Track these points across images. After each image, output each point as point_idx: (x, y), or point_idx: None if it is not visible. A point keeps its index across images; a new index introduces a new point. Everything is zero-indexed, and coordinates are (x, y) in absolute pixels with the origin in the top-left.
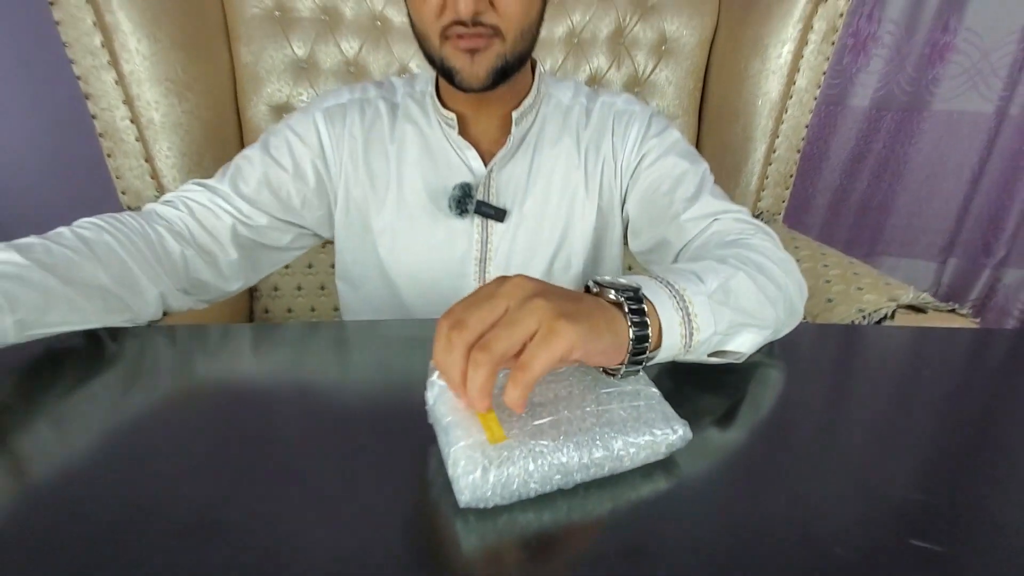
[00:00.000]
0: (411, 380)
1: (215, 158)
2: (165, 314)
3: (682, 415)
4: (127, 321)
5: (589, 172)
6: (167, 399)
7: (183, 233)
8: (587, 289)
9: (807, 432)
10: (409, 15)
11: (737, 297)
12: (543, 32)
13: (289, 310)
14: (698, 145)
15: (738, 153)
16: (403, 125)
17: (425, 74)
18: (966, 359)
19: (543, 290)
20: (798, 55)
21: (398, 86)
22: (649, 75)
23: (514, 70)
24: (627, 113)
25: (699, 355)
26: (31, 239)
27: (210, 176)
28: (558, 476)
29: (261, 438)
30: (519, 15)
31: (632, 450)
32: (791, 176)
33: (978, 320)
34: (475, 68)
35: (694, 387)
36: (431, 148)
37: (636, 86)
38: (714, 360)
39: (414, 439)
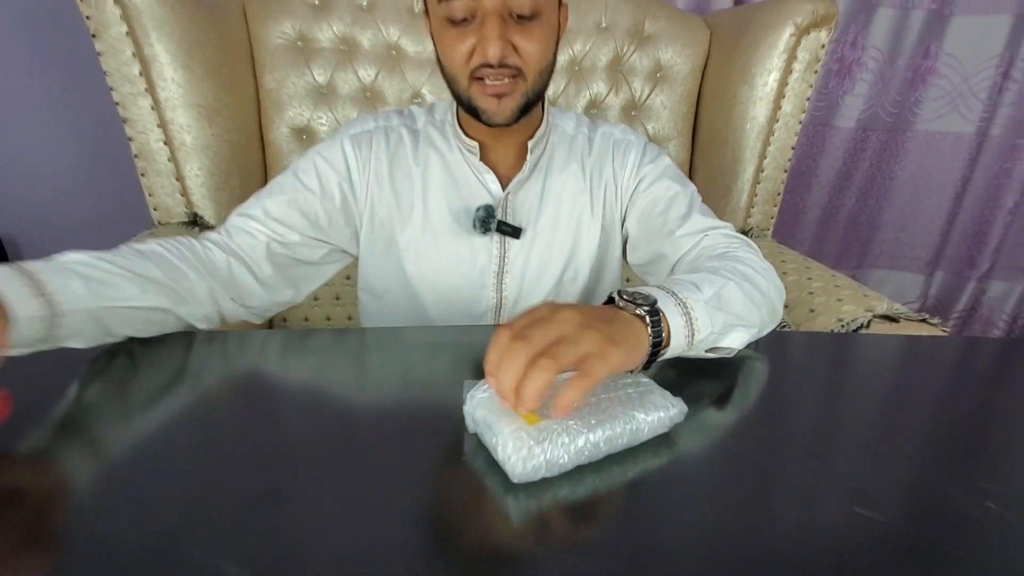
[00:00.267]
0: (437, 379)
1: (241, 177)
2: (224, 322)
3: (704, 397)
4: (188, 314)
5: (593, 194)
6: (213, 398)
7: (225, 248)
8: (611, 300)
9: (787, 418)
10: (438, 58)
11: (729, 303)
12: None
13: (306, 319)
14: (691, 165)
15: (729, 173)
16: (426, 150)
17: (443, 104)
18: (932, 363)
19: (591, 321)
20: (783, 83)
21: (418, 115)
22: (645, 100)
23: (533, 105)
24: (624, 142)
25: (698, 351)
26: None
27: (236, 194)
28: (589, 447)
29: (312, 430)
30: (538, 58)
31: (644, 425)
32: (779, 194)
33: (948, 329)
34: (502, 107)
35: (693, 377)
36: (453, 172)
37: (633, 110)
38: (710, 355)
39: (448, 433)
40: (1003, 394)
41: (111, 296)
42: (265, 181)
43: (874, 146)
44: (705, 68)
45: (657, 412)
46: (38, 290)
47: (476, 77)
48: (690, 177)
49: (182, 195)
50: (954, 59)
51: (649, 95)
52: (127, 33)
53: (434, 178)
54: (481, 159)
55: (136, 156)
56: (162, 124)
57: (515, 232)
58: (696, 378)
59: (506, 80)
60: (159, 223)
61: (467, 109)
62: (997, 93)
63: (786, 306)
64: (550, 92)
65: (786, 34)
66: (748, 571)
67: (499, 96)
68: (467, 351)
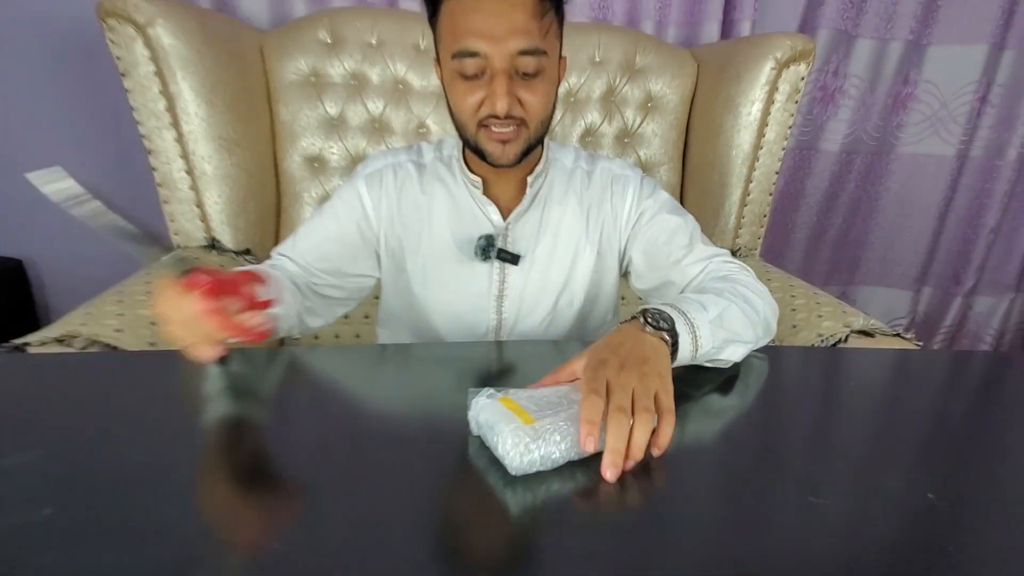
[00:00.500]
0: (443, 389)
1: (256, 203)
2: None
3: (683, 403)
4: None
5: (590, 226)
6: (261, 410)
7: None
8: (641, 315)
9: (761, 421)
10: (448, 105)
11: (729, 322)
12: None
13: (316, 336)
14: (682, 188)
15: (717, 196)
16: (432, 183)
17: (451, 140)
18: (896, 374)
19: (637, 365)
20: (766, 112)
21: (426, 150)
22: (637, 128)
23: (533, 148)
24: (623, 177)
25: (700, 362)
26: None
27: (252, 220)
28: (574, 449)
29: (334, 433)
30: (540, 110)
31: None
32: (765, 216)
33: (921, 344)
34: (506, 152)
35: (693, 384)
36: (457, 203)
37: (626, 137)
38: (710, 364)
39: (454, 435)
40: (955, 400)
41: (304, 303)
42: (279, 207)
43: (859, 168)
44: (693, 98)
45: None
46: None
47: (483, 124)
48: (681, 200)
49: (202, 221)
50: (932, 85)
51: (641, 124)
52: (155, 72)
53: (439, 209)
54: (484, 192)
55: (160, 185)
56: (185, 155)
57: (514, 259)
58: (683, 385)
59: (511, 128)
60: (179, 247)
61: (473, 150)
62: (975, 117)
63: None
64: None
65: (767, 67)
66: (718, 552)
67: (504, 142)
68: (469, 365)
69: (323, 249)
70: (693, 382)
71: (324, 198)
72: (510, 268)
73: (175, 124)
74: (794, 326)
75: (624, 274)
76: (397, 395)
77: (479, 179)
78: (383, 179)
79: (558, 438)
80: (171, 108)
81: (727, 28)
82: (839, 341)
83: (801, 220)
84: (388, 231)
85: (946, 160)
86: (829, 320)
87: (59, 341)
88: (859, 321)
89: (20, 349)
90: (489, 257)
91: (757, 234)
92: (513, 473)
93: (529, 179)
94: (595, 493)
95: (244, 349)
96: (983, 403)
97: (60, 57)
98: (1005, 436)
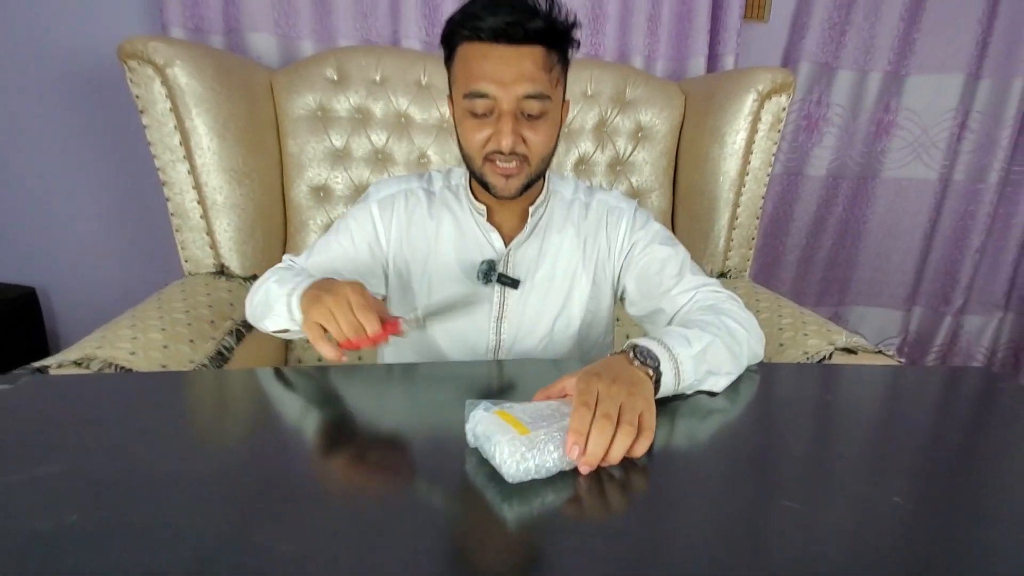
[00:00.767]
0: (448, 404)
1: (264, 231)
2: None
3: (672, 415)
4: None
5: (587, 254)
6: (269, 426)
7: None
8: (631, 350)
9: (754, 429)
10: (458, 138)
11: (712, 356)
12: None
13: (319, 359)
14: (672, 214)
15: (706, 221)
16: (440, 209)
17: (459, 171)
18: (873, 387)
19: (627, 387)
20: (750, 141)
21: (436, 179)
22: (628, 156)
23: (535, 182)
24: (617, 209)
25: (684, 392)
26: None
27: (260, 246)
28: (567, 459)
29: (340, 444)
30: (542, 149)
31: None
32: (753, 239)
33: (903, 360)
34: (509, 185)
35: (683, 397)
36: (463, 229)
37: (618, 165)
38: (695, 391)
39: (455, 447)
40: (923, 411)
41: None
42: (286, 234)
43: (845, 192)
44: (682, 128)
45: None
46: None
47: (489, 159)
48: (672, 223)
49: (211, 248)
50: (913, 113)
51: (632, 152)
52: (171, 109)
53: (446, 234)
54: (488, 220)
55: (172, 214)
56: (197, 186)
57: (514, 283)
58: (673, 398)
59: (514, 164)
60: (189, 273)
61: (479, 181)
62: (956, 142)
63: None
64: None
65: (750, 99)
66: (699, 553)
67: (507, 176)
68: (470, 382)
69: (335, 265)
70: (683, 395)
71: (329, 225)
72: (510, 292)
73: (188, 157)
74: (781, 344)
75: (620, 299)
76: (401, 410)
77: (484, 207)
78: (395, 203)
79: (552, 448)
80: (185, 142)
81: (712, 62)
82: (824, 358)
83: (791, 243)
84: (397, 253)
85: (929, 184)
86: (814, 338)
87: (77, 364)
88: (842, 339)
89: (41, 371)
90: (490, 281)
91: (746, 256)
92: (509, 481)
93: (531, 209)
94: (586, 500)
95: (248, 369)
96: (948, 414)
97: (80, 93)
98: (968, 443)
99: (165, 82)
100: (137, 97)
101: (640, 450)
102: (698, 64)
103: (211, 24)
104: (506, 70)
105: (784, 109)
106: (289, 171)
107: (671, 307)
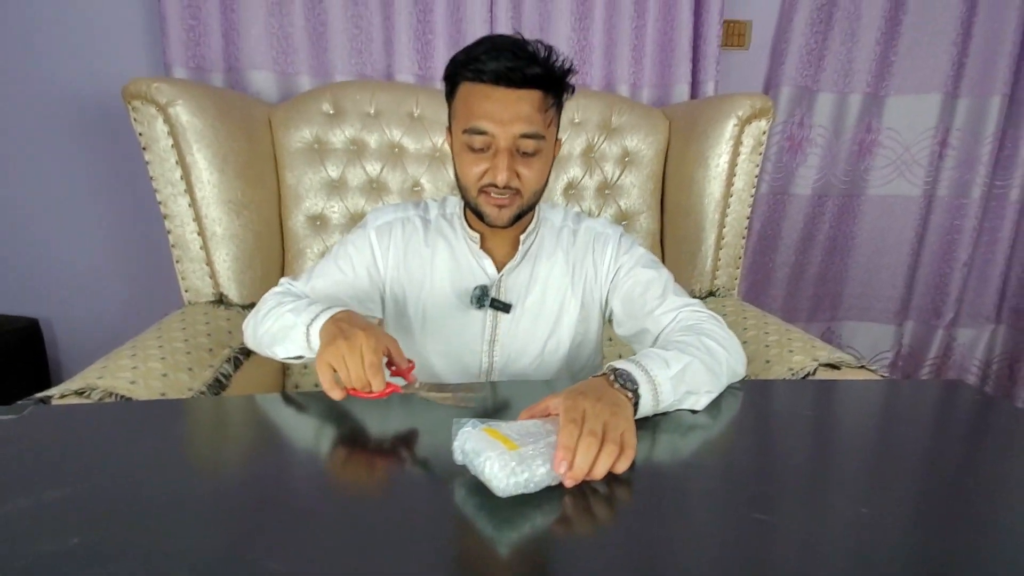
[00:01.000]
0: (441, 424)
1: (262, 260)
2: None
3: (654, 430)
4: None
5: (575, 279)
6: (263, 448)
7: None
8: (611, 373)
9: (733, 444)
10: (455, 169)
11: (691, 375)
12: None
13: (316, 384)
14: (661, 235)
15: (693, 241)
16: (435, 237)
17: (454, 199)
18: (849, 401)
19: (610, 407)
20: (733, 163)
21: (432, 207)
22: (616, 180)
23: (526, 213)
24: (604, 235)
25: (664, 411)
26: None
27: (258, 275)
28: (554, 473)
29: (338, 462)
30: (534, 184)
31: None
32: (739, 258)
33: (885, 374)
34: (501, 215)
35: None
36: (457, 256)
37: (607, 189)
38: (676, 409)
39: (445, 467)
40: (901, 424)
41: None
42: (284, 263)
43: (832, 210)
44: (667, 152)
45: None
46: None
47: (483, 190)
48: (660, 244)
49: (210, 278)
50: (894, 132)
51: (619, 176)
52: (172, 145)
53: (440, 260)
54: (481, 247)
55: (173, 246)
56: (197, 218)
57: (505, 308)
58: (663, 419)
59: (507, 196)
60: (189, 303)
61: (473, 211)
62: (938, 159)
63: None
64: None
65: (731, 124)
66: (673, 564)
67: (500, 207)
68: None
69: (335, 290)
70: (665, 412)
71: (325, 253)
72: (502, 316)
73: (189, 190)
74: (767, 361)
75: (608, 321)
76: (396, 431)
77: (477, 235)
78: (392, 231)
79: (540, 463)
80: (186, 176)
81: (695, 88)
82: (808, 374)
83: (781, 260)
84: (394, 278)
85: (914, 200)
86: (799, 355)
87: (79, 393)
88: (826, 355)
89: (44, 402)
90: (483, 305)
91: (734, 275)
92: (499, 495)
93: (522, 237)
94: (573, 513)
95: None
96: (922, 425)
97: (85, 130)
98: (939, 454)
99: (167, 120)
100: (140, 134)
101: (622, 467)
102: (682, 91)
103: (212, 63)
104: (504, 111)
105: (764, 132)
106: (287, 202)
107: (655, 327)
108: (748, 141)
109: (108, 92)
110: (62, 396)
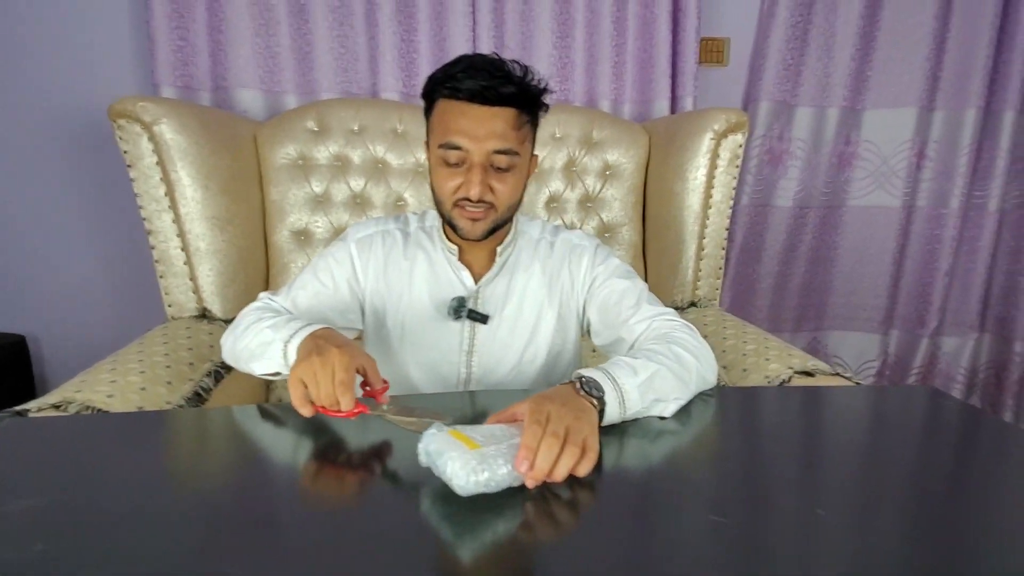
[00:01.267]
0: (414, 435)
1: (246, 275)
2: None
3: (619, 440)
4: None
5: (551, 290)
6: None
7: None
8: (577, 380)
9: (700, 450)
10: (431, 183)
11: (660, 383)
12: None
13: None
14: (643, 247)
15: (674, 253)
16: (414, 250)
17: (433, 212)
18: (828, 408)
19: (574, 412)
20: (711, 176)
21: (412, 220)
22: (598, 193)
23: (501, 227)
24: (579, 247)
25: (632, 418)
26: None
27: (241, 290)
28: (516, 474)
29: (314, 467)
30: (508, 198)
31: None
32: (720, 268)
33: (858, 381)
34: (475, 228)
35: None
36: (435, 268)
37: (588, 202)
38: (645, 416)
39: (412, 473)
40: (864, 428)
41: None
42: (268, 277)
43: (813, 221)
44: (648, 166)
45: None
46: None
47: (458, 204)
48: (643, 256)
49: (194, 292)
50: (873, 144)
51: (601, 190)
52: (157, 163)
53: (419, 272)
54: (459, 259)
55: (157, 261)
56: (181, 234)
57: (483, 319)
58: (634, 426)
59: (481, 210)
60: (172, 318)
61: (449, 224)
62: (916, 171)
63: (725, 367)
64: None
65: (707, 138)
66: (630, 565)
67: (474, 220)
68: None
69: (315, 302)
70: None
71: (305, 266)
72: (480, 327)
73: (173, 207)
74: (744, 369)
75: (586, 331)
76: (370, 442)
77: (455, 247)
78: (372, 244)
79: (501, 462)
80: (170, 193)
81: (675, 104)
82: (784, 381)
83: (764, 271)
84: (373, 290)
85: (893, 211)
86: (775, 363)
87: (56, 407)
88: (802, 363)
89: (21, 415)
90: (460, 316)
91: (715, 286)
92: (460, 494)
93: (499, 249)
94: (533, 512)
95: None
96: (886, 429)
97: (71, 149)
98: (900, 456)
99: (152, 138)
100: (125, 152)
101: (584, 470)
102: (662, 106)
103: (200, 82)
104: (479, 127)
105: (740, 146)
106: (271, 217)
107: (630, 336)
108: (725, 154)
109: (97, 111)
110: (39, 409)
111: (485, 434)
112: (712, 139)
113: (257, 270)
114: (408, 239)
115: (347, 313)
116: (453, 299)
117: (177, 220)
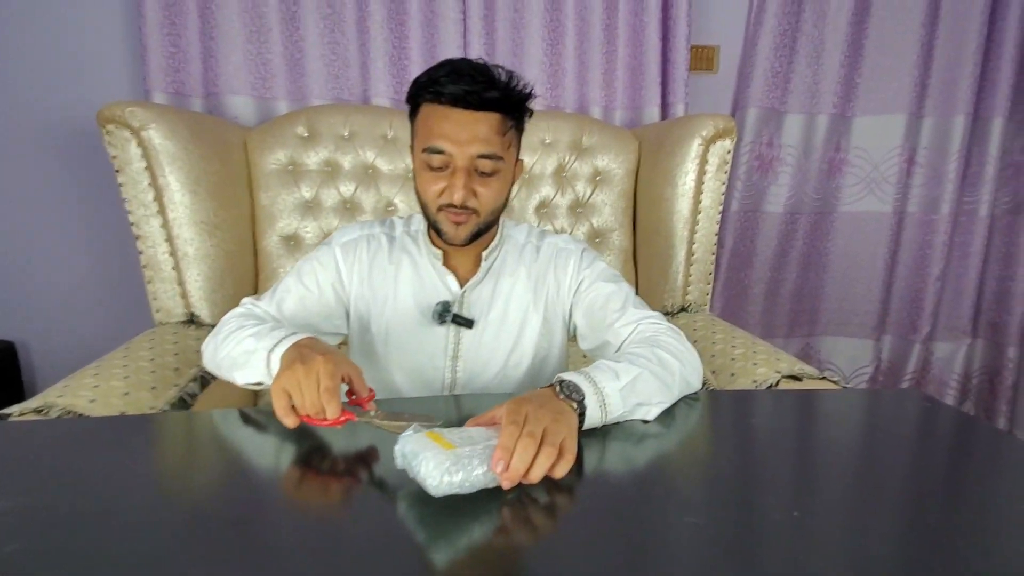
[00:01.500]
0: (394, 439)
1: (234, 280)
2: None
3: (601, 442)
4: None
5: (537, 295)
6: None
7: None
8: (558, 384)
9: (681, 453)
10: (416, 187)
11: (642, 387)
12: None
13: None
14: (634, 252)
15: (664, 258)
16: (399, 253)
17: (418, 217)
18: (812, 411)
19: (552, 415)
20: (700, 182)
21: (398, 225)
22: (588, 199)
23: (484, 233)
24: (566, 251)
25: (615, 421)
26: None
27: (230, 295)
28: (491, 475)
29: (296, 471)
30: (491, 203)
31: None
32: (710, 273)
33: (846, 385)
34: (459, 232)
35: (610, 429)
36: (420, 272)
37: (579, 208)
38: (628, 419)
39: (391, 477)
40: (847, 431)
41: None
42: (256, 282)
43: (804, 227)
44: (638, 171)
45: None
46: None
47: (442, 208)
48: (633, 261)
49: (182, 297)
50: (863, 151)
51: (591, 195)
52: (145, 168)
53: (404, 277)
54: (444, 264)
55: (144, 267)
56: (169, 239)
57: (468, 323)
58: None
59: (464, 214)
60: (160, 323)
61: (434, 228)
62: (906, 177)
63: (713, 371)
64: None
65: (695, 144)
66: (607, 567)
67: (458, 224)
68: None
69: (300, 307)
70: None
71: (289, 270)
72: (464, 331)
73: (162, 212)
74: (733, 374)
75: (573, 336)
76: (347, 442)
77: (441, 252)
78: (357, 248)
79: (476, 463)
80: (159, 198)
81: (665, 110)
82: (771, 385)
83: (756, 277)
84: (358, 295)
85: (884, 217)
86: (763, 367)
87: (37, 411)
88: (789, 367)
89: (2, 419)
90: (445, 321)
91: (705, 291)
92: (433, 494)
93: (484, 254)
94: (511, 515)
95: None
96: (869, 432)
97: (62, 154)
98: (882, 459)
99: (140, 143)
100: (114, 157)
101: (560, 472)
102: (652, 113)
103: (192, 88)
104: (462, 132)
105: (729, 152)
106: (260, 222)
107: (616, 339)
108: (713, 160)
109: (89, 117)
110: (21, 414)
111: (463, 436)
112: (700, 145)
113: (246, 275)
114: (393, 243)
115: (332, 318)
116: (438, 304)
117: (165, 225)
